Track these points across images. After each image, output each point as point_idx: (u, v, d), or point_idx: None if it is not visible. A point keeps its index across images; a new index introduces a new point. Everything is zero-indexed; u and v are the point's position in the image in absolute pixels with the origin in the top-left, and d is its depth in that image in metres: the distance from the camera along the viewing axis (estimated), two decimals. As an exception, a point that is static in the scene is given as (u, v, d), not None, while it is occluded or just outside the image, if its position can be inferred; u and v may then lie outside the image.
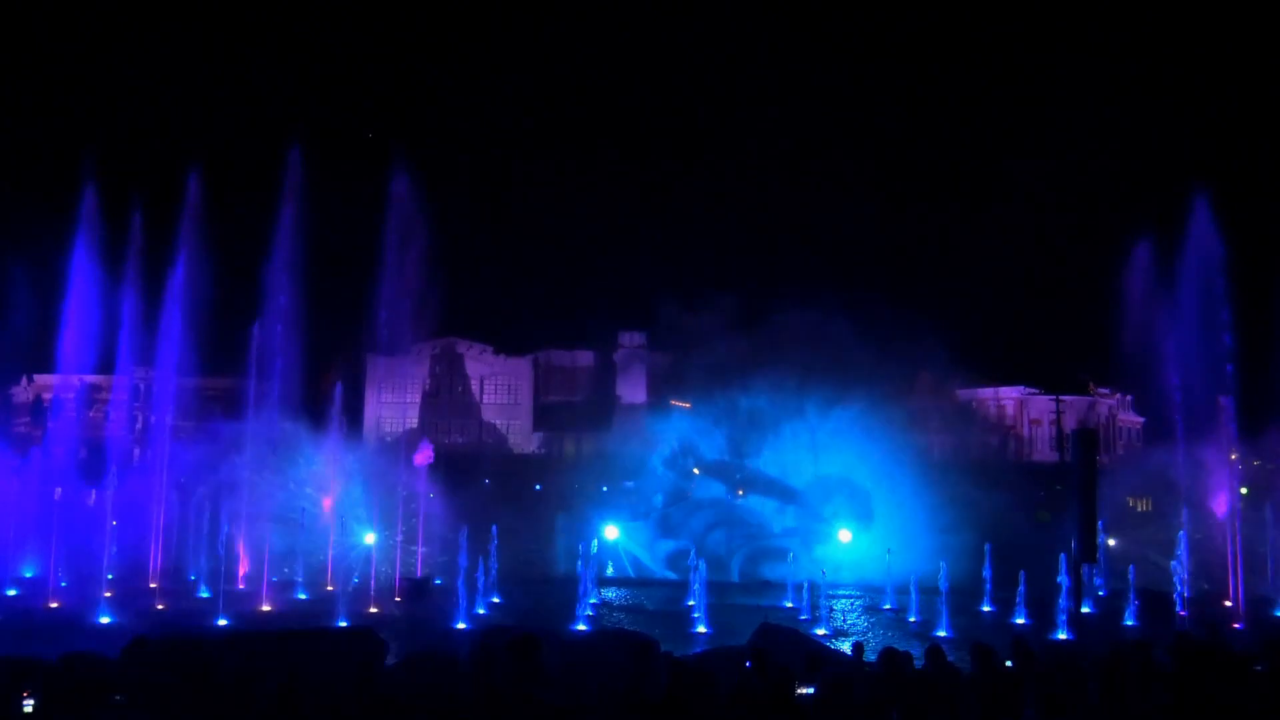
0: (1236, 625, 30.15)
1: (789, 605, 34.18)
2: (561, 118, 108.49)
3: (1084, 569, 24.09)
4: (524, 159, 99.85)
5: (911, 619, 32.02)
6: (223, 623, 28.52)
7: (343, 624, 27.75)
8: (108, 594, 30.77)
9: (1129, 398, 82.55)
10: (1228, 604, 33.60)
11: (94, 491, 41.27)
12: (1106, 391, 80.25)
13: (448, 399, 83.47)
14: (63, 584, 33.13)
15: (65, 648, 14.73)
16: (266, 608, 32.06)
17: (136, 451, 61.27)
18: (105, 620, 28.82)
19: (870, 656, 15.12)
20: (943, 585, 31.22)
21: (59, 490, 44.16)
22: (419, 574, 39.71)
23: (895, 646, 9.86)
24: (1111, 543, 37.41)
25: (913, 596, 32.67)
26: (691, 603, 32.85)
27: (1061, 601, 28.71)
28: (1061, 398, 70.93)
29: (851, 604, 36.22)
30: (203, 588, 35.05)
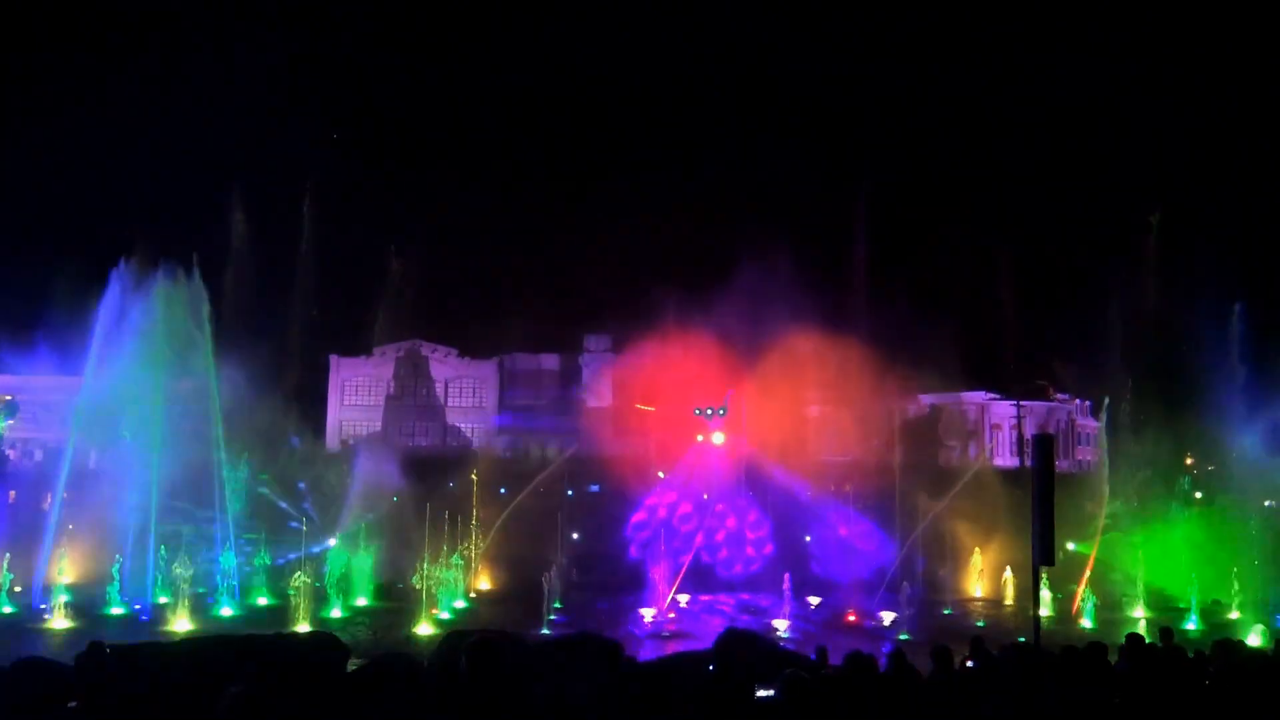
0: (1190, 626, 30.78)
1: None
2: (525, 118, 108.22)
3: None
4: (487, 161, 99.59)
5: (874, 622, 32.29)
6: (182, 628, 28.17)
7: (305, 628, 27.55)
8: (63, 599, 30.26)
9: (1088, 403, 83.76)
10: (1182, 606, 34.27)
11: (49, 495, 40.55)
12: (1066, 397, 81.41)
13: (412, 402, 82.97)
14: (16, 589, 32.49)
15: (18, 654, 14.51)
16: (227, 612, 31.70)
17: (94, 454, 60.22)
18: (60, 625, 28.37)
19: (834, 660, 15.25)
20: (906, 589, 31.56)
21: (13, 494, 43.42)
22: (383, 578, 39.39)
23: (862, 650, 9.97)
24: (1070, 546, 37.93)
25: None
26: (650, 610, 32.88)
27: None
28: (1022, 403, 71.83)
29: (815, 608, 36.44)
30: (161, 592, 34.55)
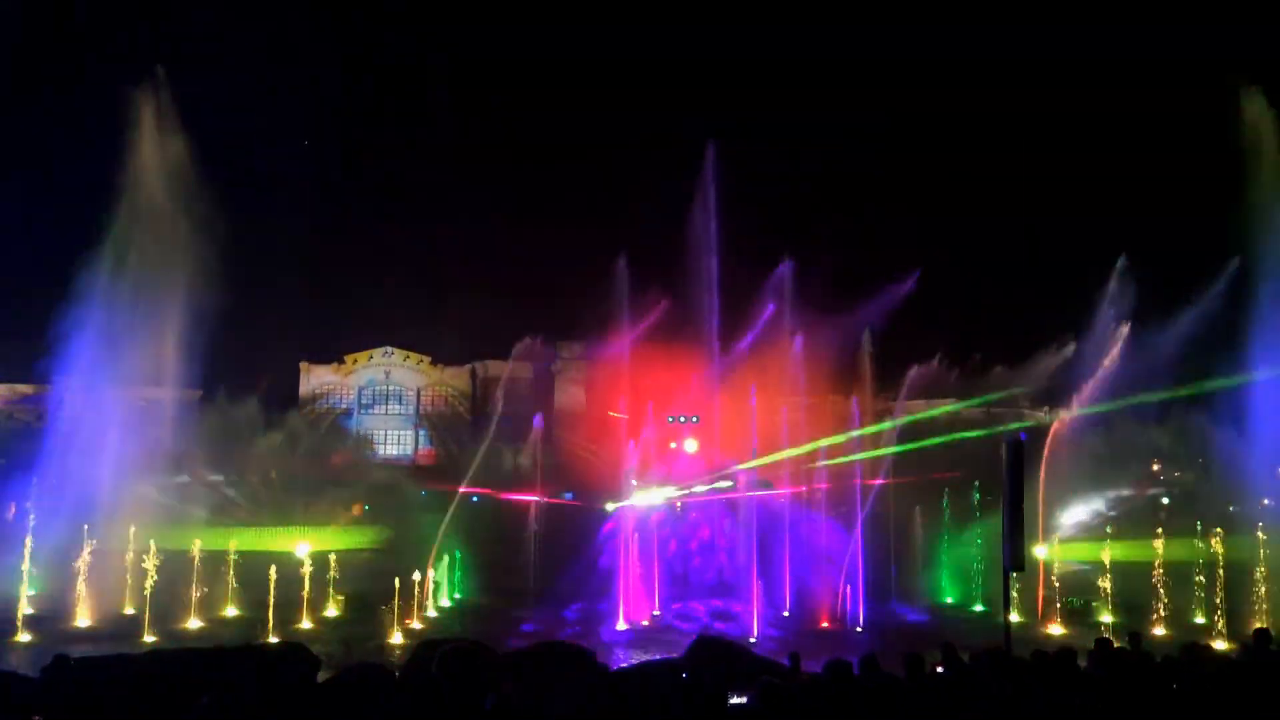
0: (1158, 632, 31.14)
1: None
2: (496, 121, 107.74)
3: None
4: (460, 165, 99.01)
5: (846, 628, 32.47)
6: (150, 640, 27.82)
7: (275, 639, 27.30)
8: (29, 611, 29.80)
9: (1057, 410, 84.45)
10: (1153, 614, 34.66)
11: (13, 505, 39.93)
12: (1036, 405, 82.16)
13: (384, 410, 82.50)
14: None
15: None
16: (196, 624, 31.32)
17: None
18: (25, 638, 27.95)
19: (806, 668, 15.29)
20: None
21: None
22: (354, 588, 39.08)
23: (842, 657, 10.00)
24: (1038, 552, 38.25)
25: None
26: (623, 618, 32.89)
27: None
28: (992, 410, 72.35)
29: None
30: (128, 604, 34.09)
